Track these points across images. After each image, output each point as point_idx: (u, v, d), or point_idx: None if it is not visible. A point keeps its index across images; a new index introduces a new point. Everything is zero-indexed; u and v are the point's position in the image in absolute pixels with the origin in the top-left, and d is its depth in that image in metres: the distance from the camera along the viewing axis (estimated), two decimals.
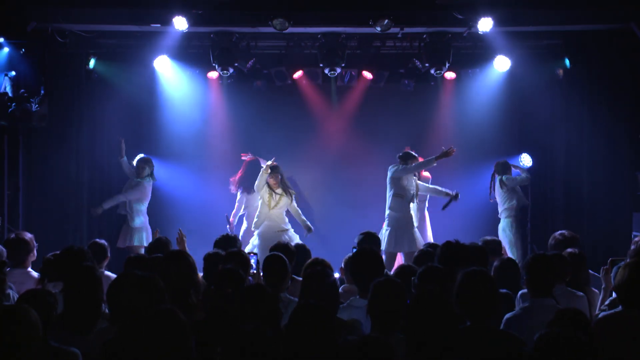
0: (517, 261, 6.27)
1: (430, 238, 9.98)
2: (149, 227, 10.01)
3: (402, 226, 9.18)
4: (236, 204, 10.53)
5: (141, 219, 9.97)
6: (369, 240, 6.59)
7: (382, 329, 4.05)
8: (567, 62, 10.38)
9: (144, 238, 9.82)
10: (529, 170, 10.48)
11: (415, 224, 9.41)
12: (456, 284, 4.07)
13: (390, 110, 11.55)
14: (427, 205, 10.34)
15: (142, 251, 8.96)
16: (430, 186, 9.98)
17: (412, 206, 9.36)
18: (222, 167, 11.26)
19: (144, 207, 10.04)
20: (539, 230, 10.80)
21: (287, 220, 9.49)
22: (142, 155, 10.44)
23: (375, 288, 4.20)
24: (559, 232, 6.87)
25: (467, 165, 11.17)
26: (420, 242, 9.06)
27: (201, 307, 4.58)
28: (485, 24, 9.23)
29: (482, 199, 10.67)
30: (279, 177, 9.36)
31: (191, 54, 10.67)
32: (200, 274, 5.40)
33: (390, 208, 9.27)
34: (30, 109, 8.97)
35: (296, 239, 9.12)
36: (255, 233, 9.34)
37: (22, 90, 9.15)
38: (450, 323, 3.75)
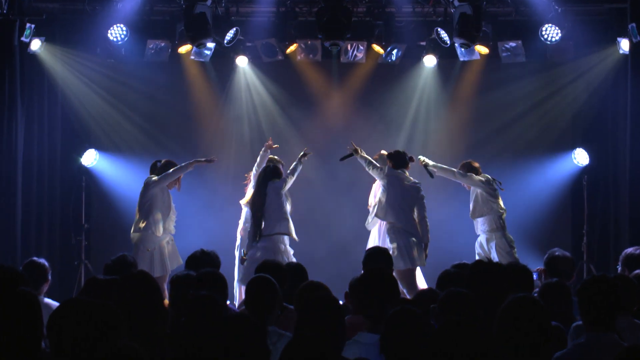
0: None
1: None
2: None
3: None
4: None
5: None
6: (378, 257, 6.57)
7: None
8: (635, 31, 10.35)
9: None
10: (585, 169, 10.44)
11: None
12: (499, 314, 4.06)
13: (406, 93, 11.55)
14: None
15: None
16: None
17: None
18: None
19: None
20: (596, 246, 10.81)
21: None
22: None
23: (391, 320, 4.21)
24: (636, 247, 6.69)
25: (506, 163, 11.15)
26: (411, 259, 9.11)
27: (168, 342, 4.57)
28: None
29: (527, 201, 10.72)
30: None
31: (155, 22, 10.67)
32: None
33: None
34: None
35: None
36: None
37: None
38: None
